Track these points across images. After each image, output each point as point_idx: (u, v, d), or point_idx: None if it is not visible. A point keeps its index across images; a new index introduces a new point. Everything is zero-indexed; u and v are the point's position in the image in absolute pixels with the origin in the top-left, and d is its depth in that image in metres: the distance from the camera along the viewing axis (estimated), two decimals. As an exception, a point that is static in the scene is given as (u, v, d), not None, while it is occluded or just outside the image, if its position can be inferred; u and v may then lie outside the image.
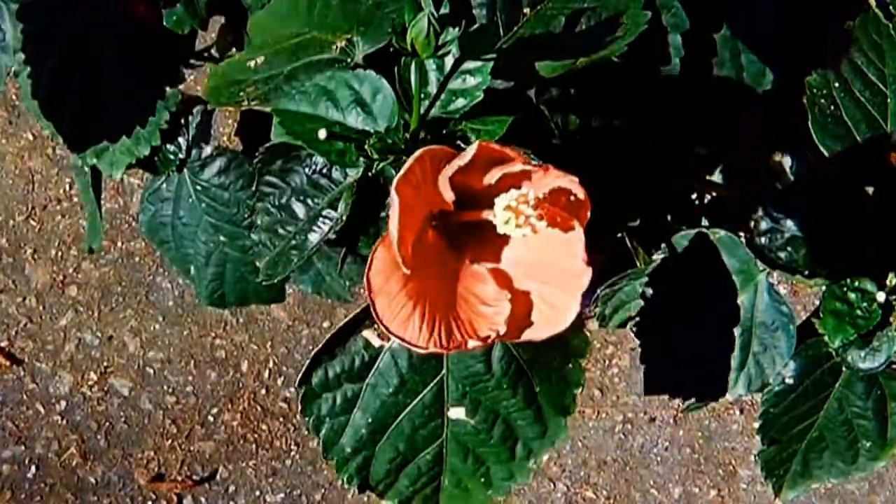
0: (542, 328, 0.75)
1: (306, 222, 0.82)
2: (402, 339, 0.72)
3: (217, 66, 0.96)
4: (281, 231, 0.83)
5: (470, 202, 0.73)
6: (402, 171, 0.68)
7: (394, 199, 0.68)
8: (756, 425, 1.02)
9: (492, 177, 0.71)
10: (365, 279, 0.71)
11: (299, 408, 0.90)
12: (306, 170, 0.82)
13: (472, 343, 0.73)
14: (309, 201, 0.81)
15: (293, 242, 0.82)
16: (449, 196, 0.71)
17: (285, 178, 0.83)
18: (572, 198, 0.73)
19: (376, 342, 0.86)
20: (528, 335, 0.75)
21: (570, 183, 0.72)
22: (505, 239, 0.74)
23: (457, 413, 0.88)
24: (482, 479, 0.90)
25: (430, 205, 0.73)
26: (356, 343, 0.87)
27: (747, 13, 1.05)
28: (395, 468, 0.90)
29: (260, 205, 0.86)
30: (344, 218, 0.80)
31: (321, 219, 0.81)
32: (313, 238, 0.81)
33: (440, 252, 0.76)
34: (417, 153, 0.69)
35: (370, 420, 0.89)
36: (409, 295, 0.72)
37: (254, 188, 0.88)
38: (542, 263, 0.75)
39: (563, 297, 0.75)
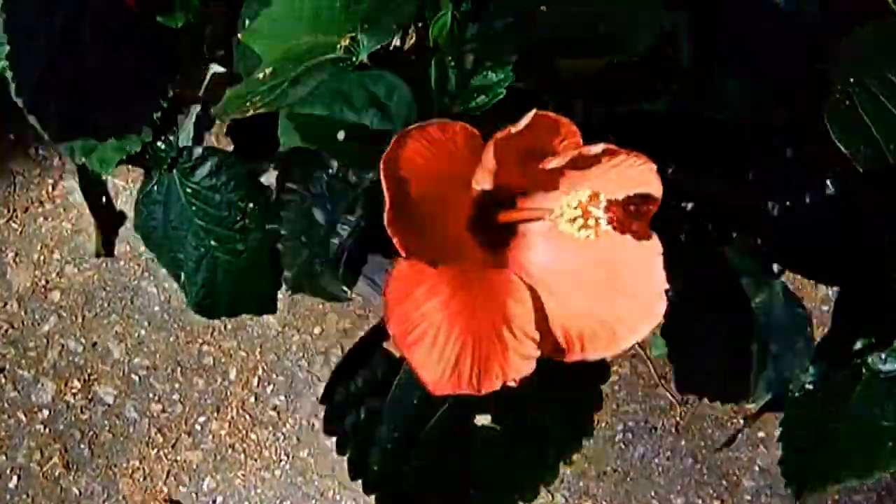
0: (592, 352, 0.71)
1: (326, 229, 0.82)
2: (412, 366, 0.69)
3: (232, 88, 0.96)
4: (304, 239, 0.83)
5: (510, 199, 0.71)
6: (406, 133, 0.66)
7: (384, 168, 0.66)
8: (761, 434, 1.03)
9: (551, 162, 0.68)
10: (382, 288, 0.69)
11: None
12: (324, 175, 0.82)
13: (479, 391, 0.69)
14: (328, 206, 0.81)
15: (316, 251, 0.82)
16: (491, 166, 0.67)
17: (306, 184, 0.83)
18: (644, 194, 0.69)
19: (397, 353, 0.85)
20: (574, 358, 0.72)
21: (648, 172, 0.68)
22: (557, 248, 0.71)
23: (483, 420, 0.88)
24: (511, 482, 0.90)
25: (461, 195, 0.71)
26: (376, 355, 0.87)
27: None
28: (424, 479, 0.90)
29: (283, 213, 0.86)
30: (362, 223, 0.80)
31: (340, 224, 0.81)
32: (334, 244, 0.81)
33: (478, 260, 0.73)
34: (424, 124, 0.67)
35: (396, 434, 0.89)
36: (427, 314, 0.69)
37: (274, 197, 0.87)
38: (604, 280, 0.72)
39: (626, 324, 0.71)
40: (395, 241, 0.67)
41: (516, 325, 0.70)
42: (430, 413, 0.87)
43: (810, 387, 0.99)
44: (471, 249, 0.72)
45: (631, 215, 0.69)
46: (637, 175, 0.69)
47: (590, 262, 0.72)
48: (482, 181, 0.68)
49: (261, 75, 0.89)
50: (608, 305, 0.71)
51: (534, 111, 0.66)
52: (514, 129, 0.66)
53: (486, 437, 0.88)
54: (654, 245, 0.71)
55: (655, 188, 0.70)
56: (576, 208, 0.67)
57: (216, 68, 1.27)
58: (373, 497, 0.92)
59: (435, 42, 0.70)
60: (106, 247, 1.37)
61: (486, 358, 0.69)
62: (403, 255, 0.67)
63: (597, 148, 0.67)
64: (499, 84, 0.74)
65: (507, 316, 0.70)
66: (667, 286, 0.70)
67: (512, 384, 0.69)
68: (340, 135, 0.75)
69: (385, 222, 0.66)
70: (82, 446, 2.12)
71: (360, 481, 0.90)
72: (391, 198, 0.66)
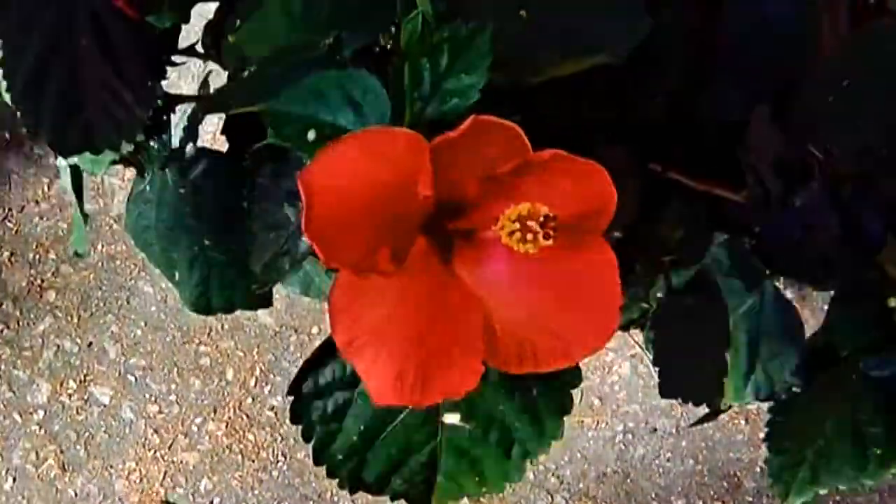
0: (543, 366, 0.70)
1: (297, 227, 0.82)
2: (360, 375, 0.69)
3: (219, 88, 0.97)
4: (273, 236, 0.84)
5: (460, 207, 0.71)
6: (336, 142, 0.66)
7: (302, 179, 0.65)
8: (762, 435, 1.03)
9: (496, 170, 0.67)
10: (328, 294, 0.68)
11: (288, 416, 0.90)
12: (297, 172, 0.82)
13: (422, 402, 0.68)
14: (299, 204, 0.82)
15: (285, 248, 0.82)
16: (429, 174, 0.66)
17: (277, 181, 0.84)
18: (596, 205, 0.68)
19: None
20: (525, 369, 0.70)
21: (601, 181, 0.67)
22: (510, 258, 0.69)
23: (451, 419, 0.88)
24: (477, 478, 0.90)
25: (409, 203, 0.69)
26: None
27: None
28: (389, 470, 0.91)
29: (254, 208, 0.86)
30: None
31: (311, 223, 0.81)
32: (304, 243, 0.81)
33: (430, 267, 0.71)
34: (360, 132, 0.67)
35: (363, 427, 0.89)
36: (372, 323, 0.68)
37: (246, 192, 0.88)
38: (557, 293, 0.70)
39: (579, 339, 0.70)
40: (315, 249, 0.66)
41: (464, 337, 0.69)
42: (399, 410, 0.88)
43: (798, 389, 0.99)
44: (422, 257, 0.71)
45: (581, 228, 0.68)
46: (590, 184, 0.68)
47: (543, 274, 0.70)
48: (423, 188, 0.67)
49: (245, 73, 0.90)
50: (561, 318, 0.70)
51: (472, 116, 0.65)
52: (452, 135, 0.65)
53: (455, 435, 0.88)
54: (609, 259, 0.70)
55: (608, 197, 0.68)
56: (514, 221, 0.66)
57: (211, 66, 1.28)
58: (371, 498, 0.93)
59: (406, 44, 0.70)
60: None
61: (430, 370, 0.68)
62: (324, 262, 0.66)
63: (543, 155, 0.66)
64: (472, 87, 0.74)
65: (455, 326, 0.69)
66: (621, 302, 0.69)
67: (456, 397, 0.68)
68: (311, 134, 0.75)
69: (303, 229, 0.65)
70: (78, 447, 2.13)
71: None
72: (309, 208, 0.65)
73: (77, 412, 2.14)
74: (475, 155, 0.68)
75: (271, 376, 2.16)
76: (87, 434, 2.13)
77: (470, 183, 0.69)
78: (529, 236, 0.66)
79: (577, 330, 0.70)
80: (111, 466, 2.12)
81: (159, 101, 1.12)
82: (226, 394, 2.15)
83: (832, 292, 0.99)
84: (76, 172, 1.21)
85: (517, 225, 0.66)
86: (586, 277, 0.70)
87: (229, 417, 2.14)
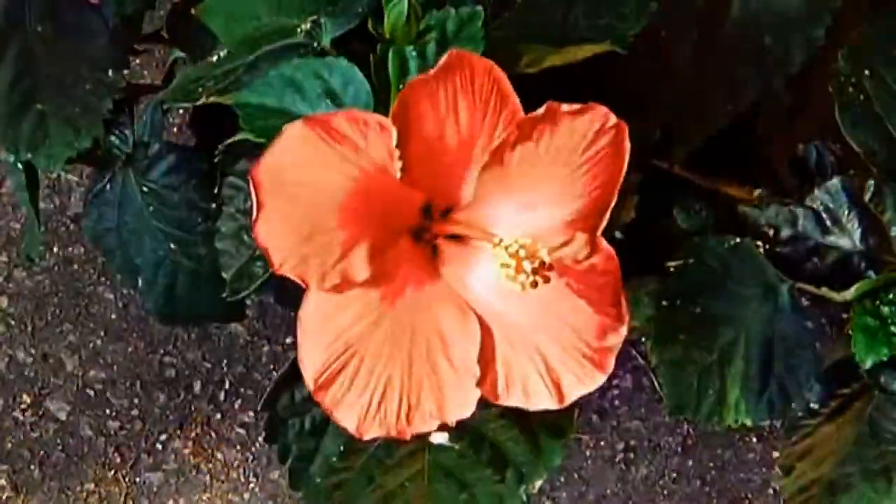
0: (534, 402, 0.69)
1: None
2: (323, 409, 0.67)
3: (185, 70, 0.96)
4: (246, 238, 0.83)
5: (453, 193, 0.69)
6: (292, 127, 0.64)
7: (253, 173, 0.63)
8: (776, 454, 1.03)
9: (486, 142, 0.65)
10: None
11: (261, 433, 0.90)
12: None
13: (408, 434, 0.65)
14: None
15: (257, 252, 0.82)
16: (393, 138, 0.64)
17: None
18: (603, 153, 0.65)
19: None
20: (511, 403, 0.68)
21: (613, 126, 0.65)
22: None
23: (439, 438, 0.88)
24: (469, 504, 0.90)
25: (392, 201, 0.68)
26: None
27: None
28: (372, 494, 0.90)
29: (224, 209, 0.86)
30: None
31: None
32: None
33: (418, 277, 0.69)
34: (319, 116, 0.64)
35: (342, 447, 0.89)
36: (349, 343, 0.65)
37: (216, 191, 0.87)
38: (560, 315, 0.68)
39: (571, 376, 0.69)
40: (265, 251, 0.63)
41: (456, 357, 0.67)
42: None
43: (815, 405, 0.99)
44: (408, 265, 0.69)
45: (595, 270, 0.67)
46: (594, 133, 0.66)
47: (548, 294, 0.68)
48: (394, 167, 0.64)
49: (215, 58, 0.89)
50: (559, 346, 0.69)
51: (450, 51, 0.62)
52: (425, 76, 0.63)
53: (443, 455, 0.88)
54: (612, 268, 0.69)
55: (621, 139, 0.67)
56: (511, 256, 0.64)
57: (178, 54, 1.27)
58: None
59: (391, 31, 0.70)
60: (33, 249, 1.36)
61: (417, 395, 0.66)
62: (276, 267, 0.64)
63: (564, 107, 0.64)
64: (462, 78, 0.74)
65: (445, 345, 0.67)
66: (625, 334, 0.68)
67: (449, 425, 0.66)
68: None
69: (252, 233, 0.63)
70: (32, 467, 2.12)
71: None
72: (261, 205, 0.64)
73: (31, 429, 2.13)
74: (456, 113, 0.65)
75: (242, 390, 2.15)
76: (42, 452, 2.12)
77: (454, 159, 0.67)
78: (521, 277, 0.64)
79: (573, 361, 0.69)
80: (68, 488, 2.11)
81: (120, 92, 1.12)
82: (193, 408, 2.14)
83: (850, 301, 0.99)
84: (30, 169, 1.20)
85: (512, 261, 0.65)
86: (588, 293, 0.69)
87: (196, 434, 2.13)
